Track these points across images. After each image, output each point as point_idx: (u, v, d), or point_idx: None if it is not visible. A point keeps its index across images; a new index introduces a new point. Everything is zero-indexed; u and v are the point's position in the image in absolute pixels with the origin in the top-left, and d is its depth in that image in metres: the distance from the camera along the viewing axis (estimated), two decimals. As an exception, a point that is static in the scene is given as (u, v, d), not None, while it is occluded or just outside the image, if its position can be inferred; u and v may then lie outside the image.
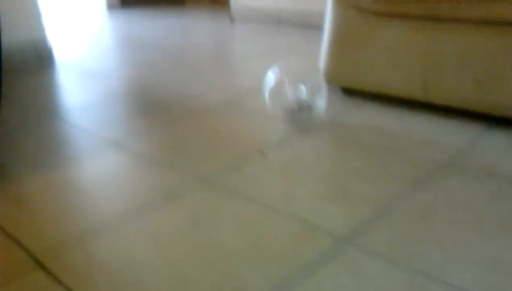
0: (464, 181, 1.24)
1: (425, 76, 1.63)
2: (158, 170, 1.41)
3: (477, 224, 1.06)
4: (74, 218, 1.19)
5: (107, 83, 2.30)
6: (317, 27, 3.10)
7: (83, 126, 1.78)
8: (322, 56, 1.91)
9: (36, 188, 1.35)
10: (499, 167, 1.30)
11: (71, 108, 1.98)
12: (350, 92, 1.92)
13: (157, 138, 1.63)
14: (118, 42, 3.24)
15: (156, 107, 1.93)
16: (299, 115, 1.67)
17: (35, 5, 2.87)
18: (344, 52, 1.82)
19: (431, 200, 1.16)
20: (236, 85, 2.13)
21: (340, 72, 1.85)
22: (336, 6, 1.80)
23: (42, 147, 1.62)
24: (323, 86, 1.69)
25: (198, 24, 3.70)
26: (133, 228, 1.13)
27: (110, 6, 4.76)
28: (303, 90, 1.65)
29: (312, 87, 1.66)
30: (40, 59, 2.88)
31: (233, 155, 1.47)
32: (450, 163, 1.33)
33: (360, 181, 1.27)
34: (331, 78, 1.89)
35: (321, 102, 1.68)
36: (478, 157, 1.35)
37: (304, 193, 1.23)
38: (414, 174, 1.28)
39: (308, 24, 3.20)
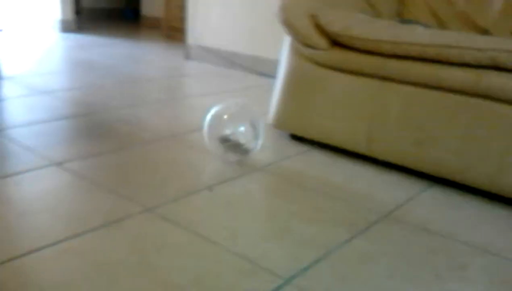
0: (401, 233, 1.29)
1: (369, 131, 1.71)
2: (101, 195, 1.38)
3: (412, 274, 1.11)
4: (7, 237, 1.14)
5: (54, 103, 2.25)
6: (269, 75, 3.19)
7: (24, 143, 1.72)
8: (273, 102, 1.97)
9: (-30, 201, 1.29)
10: (434, 223, 1.36)
11: (13, 125, 1.91)
12: (298, 139, 1.97)
13: (102, 163, 1.60)
14: (69, 64, 3.19)
15: (102, 132, 1.90)
16: (235, 154, 1.69)
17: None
18: (295, 100, 1.88)
19: (370, 248, 1.20)
20: (185, 120, 2.14)
21: (290, 119, 1.91)
22: (291, 56, 1.87)
23: (-21, 160, 1.56)
24: (261, 128, 1.72)
25: (152, 56, 3.71)
26: (71, 251, 1.10)
27: (65, 29, 4.69)
28: (241, 130, 1.68)
29: (250, 128, 1.69)
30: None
31: (179, 187, 1.47)
32: (388, 216, 1.39)
33: (303, 224, 1.30)
34: (281, 124, 1.94)
35: (257, 144, 1.71)
36: (415, 212, 1.42)
37: (249, 231, 1.24)
38: (354, 223, 1.33)
39: (260, 71, 3.29)
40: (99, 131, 1.92)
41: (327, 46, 1.75)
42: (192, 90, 2.75)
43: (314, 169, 1.69)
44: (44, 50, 3.66)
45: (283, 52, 1.94)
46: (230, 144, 1.67)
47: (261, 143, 1.75)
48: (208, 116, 1.69)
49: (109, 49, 3.90)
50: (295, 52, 1.86)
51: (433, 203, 1.49)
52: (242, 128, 1.68)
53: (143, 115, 2.17)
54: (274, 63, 3.15)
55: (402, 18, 2.19)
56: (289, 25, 1.80)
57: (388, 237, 1.27)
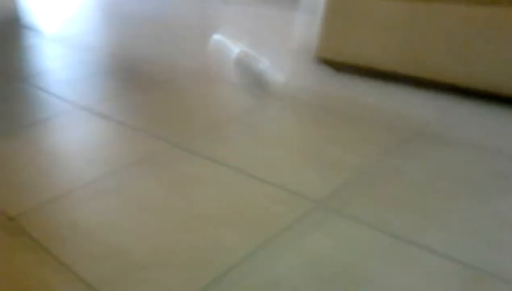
0: (435, 148, 1.25)
1: (406, 50, 1.65)
2: (133, 136, 1.38)
3: (450, 188, 1.08)
4: (47, 181, 1.16)
5: (87, 53, 2.24)
6: (307, 9, 3.08)
7: (52, 90, 1.73)
8: (317, 33, 1.90)
9: (7, 151, 1.31)
10: (468, 135, 1.32)
11: (46, 74, 1.92)
12: (339, 68, 1.91)
13: (132, 105, 1.60)
14: (104, 13, 3.16)
15: (133, 75, 1.88)
16: (259, 84, 1.68)
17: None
18: (337, 27, 1.82)
19: (406, 166, 1.18)
20: (216, 58, 2.10)
21: (331, 47, 1.86)
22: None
23: (9, 109, 1.57)
24: (286, 61, 1.75)
25: (187, 2, 3.63)
26: (106, 191, 1.11)
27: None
28: (264, 61, 1.71)
29: (273, 60, 1.74)
30: (20, 27, 2.78)
31: (208, 121, 1.45)
32: (422, 132, 1.35)
33: (337, 148, 1.27)
34: (322, 53, 1.89)
35: (280, 75, 1.73)
36: (448, 126, 1.37)
37: (280, 158, 1.23)
38: (388, 142, 1.29)
39: (297, 6, 3.18)
40: (125, 74, 1.90)
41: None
42: (226, 30, 2.68)
43: (351, 94, 1.64)
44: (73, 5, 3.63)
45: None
46: (256, 74, 1.66)
47: (286, 73, 1.73)
48: (230, 49, 1.66)
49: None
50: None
51: (465, 116, 1.43)
52: (264, 60, 1.69)
53: (176, 57, 2.14)
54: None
55: None
56: None
57: (423, 153, 1.23)
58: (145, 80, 1.81)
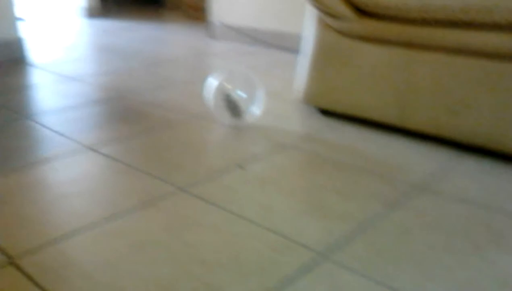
0: (436, 204, 1.27)
1: (401, 102, 1.68)
2: (134, 176, 1.40)
3: (451, 246, 1.09)
4: (47, 220, 1.17)
5: (82, 88, 2.28)
6: (294, 50, 3.15)
7: (57, 129, 1.75)
8: (300, 77, 1.95)
9: (10, 188, 1.32)
10: (470, 192, 1.34)
11: (45, 111, 1.95)
12: (328, 113, 1.95)
13: (133, 146, 1.62)
14: (96, 49, 3.22)
15: (131, 115, 1.92)
16: (234, 118, 1.79)
17: (10, 6, 2.83)
18: (323, 73, 1.85)
19: (406, 220, 1.19)
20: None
21: (318, 93, 1.89)
22: (317, 28, 1.84)
23: (15, 147, 1.59)
24: (260, 95, 1.83)
25: (176, 37, 3.71)
26: (109, 232, 1.12)
27: (90, 15, 4.73)
28: (241, 95, 1.77)
29: (250, 94, 1.79)
30: (12, 61, 2.83)
31: (210, 166, 1.47)
32: (423, 186, 1.37)
33: (336, 198, 1.29)
34: (309, 99, 1.92)
35: (256, 109, 1.82)
36: (450, 182, 1.40)
37: (281, 207, 1.24)
38: (389, 195, 1.31)
39: (285, 46, 3.25)
40: (128, 114, 1.94)
41: (354, 17, 1.72)
42: (216, 68, 2.74)
43: (345, 143, 1.67)
44: (70, 37, 3.70)
45: (307, 26, 1.91)
46: (230, 104, 1.76)
47: (260, 110, 1.86)
48: (209, 82, 1.80)
49: (134, 33, 3.91)
50: (321, 25, 1.83)
51: (467, 172, 1.46)
52: (241, 93, 1.78)
53: (171, 96, 2.18)
54: (299, 38, 3.11)
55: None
56: (314, -2, 1.77)
57: (424, 208, 1.25)
58: (150, 121, 1.84)
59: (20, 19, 3.03)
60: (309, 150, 1.61)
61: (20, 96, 2.16)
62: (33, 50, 3.14)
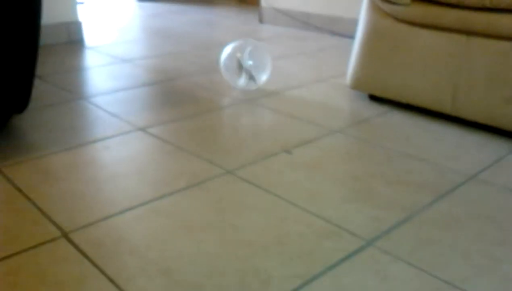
0: (487, 194, 1.24)
1: (455, 90, 1.63)
2: (184, 158, 1.42)
3: (501, 238, 1.06)
4: (99, 198, 1.21)
5: (135, 71, 2.33)
6: (345, 35, 3.11)
7: (110, 110, 1.80)
8: (351, 63, 1.92)
9: (65, 165, 1.38)
10: (525, 184, 1.29)
11: (98, 92, 2.00)
12: (378, 99, 1.92)
13: (182, 128, 1.65)
14: (147, 33, 3.28)
15: (181, 98, 1.94)
16: (244, 82, 2.03)
17: (70, -11, 2.92)
18: (374, 59, 1.82)
19: (456, 210, 1.16)
20: (261, 85, 2.14)
21: (369, 78, 1.86)
22: (370, 13, 1.81)
23: (70, 126, 1.65)
24: (268, 64, 2.06)
25: (226, 21, 3.72)
26: (158, 211, 1.15)
27: (141, -2, 4.81)
28: (250, 63, 2.00)
29: (259, 62, 2.02)
30: (71, 43, 2.92)
31: (258, 150, 1.48)
32: (475, 177, 1.33)
33: (384, 186, 1.27)
34: (359, 84, 1.89)
35: (262, 77, 2.05)
36: (503, 173, 1.35)
37: (328, 193, 1.24)
38: (439, 184, 1.29)
39: (335, 31, 3.21)
40: (178, 97, 1.97)
41: (408, 1, 1.68)
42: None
43: (396, 130, 1.64)
44: (123, 20, 3.78)
45: (361, 10, 1.88)
46: (240, 69, 1.99)
47: (267, 76, 2.09)
48: (224, 51, 2.04)
49: (184, 16, 3.95)
50: (373, 8, 1.80)
51: (524, 164, 1.41)
52: (250, 60, 2.00)
53: (220, 80, 2.20)
54: (350, 23, 3.06)
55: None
56: (367, -19, 1.73)
57: (474, 199, 1.22)
58: (200, 104, 1.86)
59: (79, 2, 3.11)
60: (358, 136, 1.59)
61: (76, 77, 2.23)
62: (89, 33, 3.22)
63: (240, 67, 1.99)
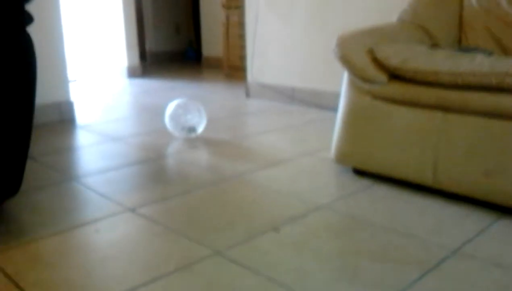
0: (473, 269, 1.26)
1: (435, 163, 1.69)
2: (172, 239, 1.44)
3: (486, 314, 1.08)
4: (89, 284, 1.22)
5: (124, 148, 2.37)
6: (330, 108, 3.21)
7: (100, 190, 1.83)
8: (334, 137, 1.99)
9: (55, 250, 1.39)
10: (506, 257, 1.32)
11: (88, 172, 2.04)
12: (361, 173, 1.97)
13: (171, 207, 1.67)
14: (137, 110, 3.36)
15: (170, 176, 1.98)
16: (186, 134, 2.56)
17: (63, 70, 3.02)
18: (356, 134, 1.89)
19: (442, 286, 1.18)
20: (248, 159, 2.19)
21: (352, 153, 1.92)
22: (351, 91, 1.89)
23: (61, 208, 1.67)
24: (203, 116, 2.60)
25: (214, 96, 3.83)
26: (148, 296, 1.16)
27: (132, 75, 4.95)
28: (190, 117, 2.55)
29: (196, 115, 2.56)
30: (62, 122, 2.98)
31: (246, 229, 1.50)
32: (459, 251, 1.36)
33: (371, 263, 1.30)
34: (343, 159, 1.95)
35: (200, 126, 2.60)
36: (485, 246, 1.38)
37: (317, 272, 1.26)
38: (425, 259, 1.31)
39: (321, 105, 3.31)
40: (167, 174, 2.01)
41: (386, 80, 1.77)
42: (254, 128, 2.81)
43: (380, 204, 1.68)
44: (113, 97, 3.88)
45: (342, 87, 1.96)
46: (186, 128, 2.55)
47: (203, 126, 2.61)
48: (169, 112, 2.58)
49: (173, 92, 4.06)
50: (353, 87, 1.88)
51: (504, 236, 1.44)
52: (190, 116, 2.56)
53: (208, 156, 2.25)
54: (334, 96, 3.17)
55: (462, 46, 2.17)
56: (347, 61, 1.83)
57: (460, 274, 1.24)
58: (188, 182, 1.90)
59: (71, 80, 3.21)
60: (343, 212, 1.62)
61: (67, 157, 2.27)
62: (81, 111, 3.30)
63: (182, 123, 2.54)
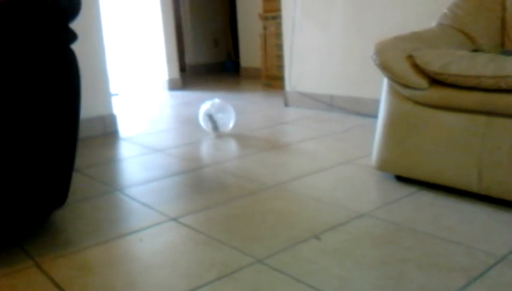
0: (523, 277, 1.22)
1: (480, 169, 1.65)
2: (214, 247, 1.46)
3: (538, 323, 1.04)
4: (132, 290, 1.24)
5: (166, 159, 2.42)
6: (368, 115, 3.18)
7: (143, 201, 1.87)
8: (375, 145, 1.97)
9: (100, 259, 1.42)
10: (559, 265, 1.27)
11: (132, 183, 2.08)
12: (404, 180, 1.94)
13: (213, 216, 1.69)
14: (178, 122, 3.42)
15: (211, 185, 2.00)
16: (215, 131, 2.89)
17: (106, 84, 3.11)
18: (398, 141, 1.86)
19: (489, 295, 1.15)
20: (288, 167, 2.19)
21: (394, 160, 1.89)
22: (391, 97, 1.87)
23: (105, 219, 1.71)
24: (232, 116, 2.94)
25: (253, 106, 3.86)
26: (191, 304, 1.17)
27: (172, 87, 5.04)
28: (219, 116, 2.88)
29: (226, 115, 2.90)
30: (106, 135, 3.06)
31: (287, 237, 1.50)
32: (506, 258, 1.32)
33: (415, 270, 1.27)
34: (385, 166, 1.92)
35: (230, 125, 2.95)
36: (537, 253, 1.34)
37: (359, 280, 1.24)
38: (471, 267, 1.28)
39: (359, 112, 3.29)
40: (208, 184, 2.03)
41: (427, 86, 1.74)
42: (293, 137, 2.81)
43: (424, 211, 1.65)
44: (155, 109, 3.95)
45: (382, 94, 1.95)
46: (212, 121, 2.88)
47: (232, 125, 2.97)
48: (203, 109, 2.92)
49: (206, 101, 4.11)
50: (394, 93, 1.86)
51: (557, 243, 1.39)
52: (220, 115, 2.89)
53: (249, 165, 2.26)
54: (373, 102, 3.14)
55: (506, 49, 2.11)
56: (386, 68, 1.81)
57: (507, 281, 1.20)
58: (229, 191, 1.92)
59: (114, 94, 3.30)
60: (386, 219, 1.60)
61: (111, 168, 2.33)
62: (123, 124, 3.38)
63: (210, 119, 2.86)
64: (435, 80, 1.73)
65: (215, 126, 2.87)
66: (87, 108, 2.99)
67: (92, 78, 3.03)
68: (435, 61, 1.70)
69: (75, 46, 1.59)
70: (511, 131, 1.57)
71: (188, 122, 3.35)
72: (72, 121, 1.59)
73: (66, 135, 1.57)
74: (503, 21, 2.16)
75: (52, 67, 1.49)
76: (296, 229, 1.56)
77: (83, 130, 3.00)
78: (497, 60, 1.63)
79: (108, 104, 3.13)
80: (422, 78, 1.74)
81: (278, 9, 4.37)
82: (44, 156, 1.50)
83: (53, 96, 1.50)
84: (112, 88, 3.22)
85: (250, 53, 5.78)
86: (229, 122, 2.93)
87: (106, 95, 3.12)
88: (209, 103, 2.91)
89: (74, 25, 1.59)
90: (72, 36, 1.57)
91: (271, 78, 4.84)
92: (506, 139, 1.58)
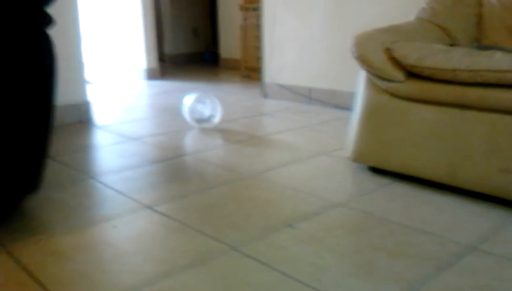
0: (489, 265, 1.25)
1: (452, 161, 1.67)
2: (189, 235, 1.45)
3: (504, 310, 1.07)
4: (106, 278, 1.23)
5: (141, 148, 2.40)
6: (345, 108, 3.20)
7: (117, 188, 1.85)
8: (350, 136, 1.98)
9: (73, 245, 1.41)
10: (527, 255, 1.30)
11: (106, 171, 2.06)
12: (378, 171, 1.96)
13: (187, 204, 1.68)
14: (154, 111, 3.39)
15: (186, 174, 2.00)
16: (202, 123, 2.83)
17: (81, 71, 3.06)
18: (373, 133, 1.88)
19: (459, 283, 1.17)
20: (264, 158, 2.20)
21: (369, 151, 1.91)
22: (368, 90, 1.88)
23: (79, 206, 1.69)
24: (218, 106, 2.87)
25: (232, 97, 3.85)
26: (164, 290, 1.16)
27: (150, 76, 4.99)
28: (205, 107, 2.86)
29: (211, 106, 2.87)
30: (81, 123, 3.02)
31: (262, 225, 1.51)
32: (475, 247, 1.34)
33: (387, 259, 1.29)
34: (360, 157, 1.94)
35: (216, 117, 2.87)
36: (503, 243, 1.36)
37: (333, 268, 1.25)
38: (441, 256, 1.30)
39: (337, 104, 3.31)
40: (184, 173, 2.02)
41: (403, 78, 1.76)
42: (271, 128, 2.82)
43: (397, 202, 1.67)
44: (131, 98, 3.91)
45: (359, 86, 1.96)
46: (201, 120, 2.84)
47: (218, 118, 2.87)
48: (185, 101, 2.89)
49: (190, 93, 4.09)
50: (371, 86, 1.88)
51: (526, 234, 1.42)
52: (204, 106, 2.87)
53: (226, 155, 2.26)
54: (351, 95, 3.16)
55: (481, 44, 2.14)
56: (364, 60, 1.82)
57: (477, 270, 1.23)
58: (204, 180, 1.91)
59: (88, 82, 3.25)
60: (360, 209, 1.62)
61: (85, 156, 2.30)
62: (98, 112, 3.34)
63: (197, 114, 2.85)
64: (412, 73, 1.75)
65: (202, 121, 2.85)
66: (62, 95, 2.94)
67: (67, 65, 2.98)
68: (412, 54, 1.72)
69: (50, 32, 1.56)
70: (484, 125, 1.60)
71: (165, 112, 3.32)
72: (46, 107, 1.56)
73: (40, 120, 1.54)
74: (479, 17, 2.19)
75: (27, 52, 1.46)
76: (272, 217, 1.57)
77: (58, 118, 2.95)
78: (473, 54, 1.65)
79: (83, 92, 3.08)
80: (399, 71, 1.76)
81: (259, 0, 4.36)
82: (16, 140, 1.48)
83: (27, 80, 1.47)
84: (88, 76, 3.17)
85: (229, 44, 5.75)
86: (216, 118, 2.89)
87: (81, 83, 3.07)
88: (196, 97, 2.85)
89: (50, 10, 1.56)
90: (48, 21, 1.54)
91: (250, 70, 4.83)
92: (477, 133, 1.61)
